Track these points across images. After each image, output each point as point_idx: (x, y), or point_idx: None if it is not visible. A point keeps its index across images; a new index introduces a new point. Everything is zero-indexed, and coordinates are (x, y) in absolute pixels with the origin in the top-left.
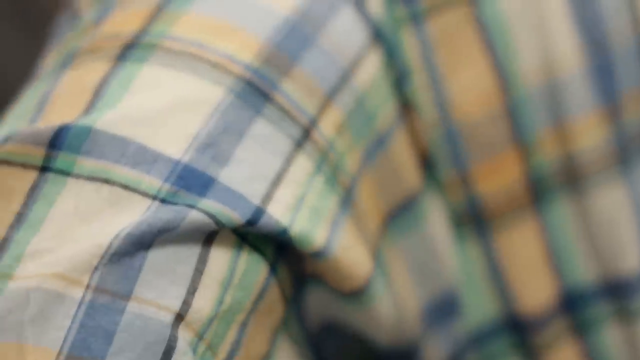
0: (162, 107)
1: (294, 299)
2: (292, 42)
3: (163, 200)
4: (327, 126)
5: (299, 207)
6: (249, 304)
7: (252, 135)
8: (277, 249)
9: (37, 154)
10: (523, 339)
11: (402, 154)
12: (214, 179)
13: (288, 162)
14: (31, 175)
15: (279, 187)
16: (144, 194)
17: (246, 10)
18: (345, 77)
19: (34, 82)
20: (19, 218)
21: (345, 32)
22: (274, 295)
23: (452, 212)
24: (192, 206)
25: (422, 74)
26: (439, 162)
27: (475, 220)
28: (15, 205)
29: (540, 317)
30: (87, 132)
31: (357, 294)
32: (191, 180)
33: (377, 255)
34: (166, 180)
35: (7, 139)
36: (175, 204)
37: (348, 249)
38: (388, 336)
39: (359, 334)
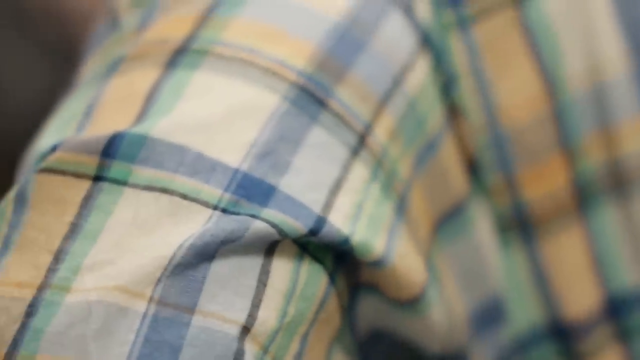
0: (217, 114)
1: (349, 307)
2: (344, 48)
3: (224, 210)
4: (381, 132)
5: (358, 215)
6: (310, 315)
7: (309, 143)
8: (336, 258)
9: (90, 163)
10: (567, 346)
11: (450, 159)
12: (274, 188)
13: (345, 169)
14: (84, 185)
15: (337, 195)
16: (204, 204)
17: (296, 15)
18: (396, 82)
19: (76, 89)
20: (74, 229)
21: (396, 37)
22: (333, 305)
23: (498, 217)
24: (254, 216)
25: (469, 79)
26: (485, 167)
27: (520, 226)
28: (69, 216)
29: (585, 324)
30: (142, 140)
31: (412, 303)
32: (252, 189)
33: (429, 262)
34: (226, 189)
35: (55, 148)
36: (237, 213)
37: (404, 257)
38: (440, 344)
39: (409, 343)
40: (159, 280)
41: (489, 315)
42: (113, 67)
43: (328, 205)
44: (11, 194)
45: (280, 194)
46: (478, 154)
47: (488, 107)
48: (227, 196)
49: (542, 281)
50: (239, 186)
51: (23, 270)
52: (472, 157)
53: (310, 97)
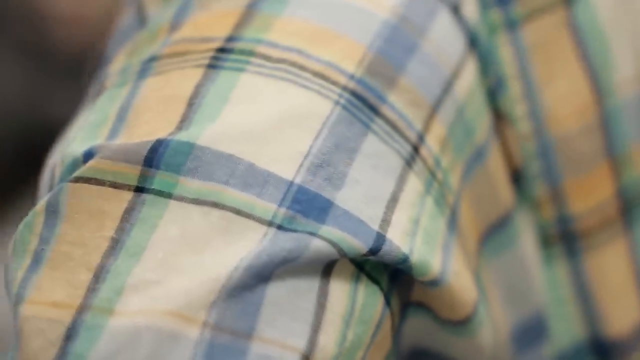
0: (267, 122)
1: (398, 328)
2: (395, 49)
3: (280, 227)
4: (432, 141)
5: (415, 231)
6: (367, 339)
7: (363, 153)
8: (390, 277)
9: (131, 173)
10: None
11: (497, 168)
12: (331, 202)
13: (401, 182)
14: (124, 197)
15: (394, 210)
16: (258, 220)
17: (343, 14)
18: (447, 87)
19: (106, 89)
20: (114, 244)
21: (445, 39)
22: (387, 327)
23: (541, 230)
24: (313, 234)
25: (517, 83)
26: (530, 177)
27: (564, 240)
28: (108, 230)
29: (627, 341)
30: (188, 149)
31: (464, 323)
32: (307, 203)
33: (477, 278)
34: (281, 204)
35: (90, 154)
36: (294, 230)
37: (458, 275)
38: None
39: None
40: (213, 303)
41: (532, 331)
42: (146, 67)
43: (386, 221)
44: (41, 205)
45: (338, 209)
46: (523, 163)
47: (536, 114)
48: (283, 211)
49: (584, 296)
50: (295, 201)
51: (58, 288)
52: (517, 167)
53: (363, 103)
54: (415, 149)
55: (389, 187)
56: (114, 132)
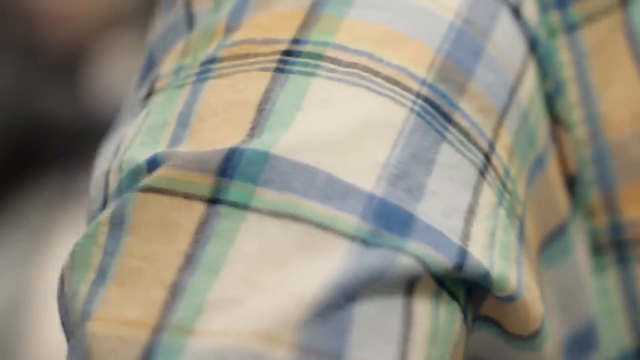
0: (343, 130)
1: None
2: (462, 53)
3: (364, 242)
4: (501, 150)
5: (493, 245)
6: (448, 357)
7: (440, 164)
8: (467, 292)
9: (203, 183)
10: None
11: (555, 175)
12: (412, 215)
13: (476, 193)
14: (197, 208)
15: (472, 223)
16: (341, 234)
17: (409, 15)
18: (512, 92)
19: (158, 90)
20: (189, 260)
21: (508, 42)
22: (462, 344)
23: (593, 237)
24: (398, 249)
25: (575, 88)
26: (585, 184)
27: (616, 247)
28: (181, 244)
29: None
30: (264, 158)
31: (533, 336)
32: (390, 217)
33: (541, 289)
34: (363, 217)
35: (154, 162)
36: (378, 245)
37: (530, 289)
38: None
39: None
40: (300, 323)
41: (582, 341)
42: (206, 69)
43: (465, 234)
44: (105, 215)
45: (419, 222)
46: (579, 169)
47: (592, 119)
48: (366, 226)
49: (634, 305)
50: (377, 214)
51: (130, 305)
52: (571, 173)
53: (436, 110)
54: (487, 158)
55: (465, 199)
56: (176, 138)
